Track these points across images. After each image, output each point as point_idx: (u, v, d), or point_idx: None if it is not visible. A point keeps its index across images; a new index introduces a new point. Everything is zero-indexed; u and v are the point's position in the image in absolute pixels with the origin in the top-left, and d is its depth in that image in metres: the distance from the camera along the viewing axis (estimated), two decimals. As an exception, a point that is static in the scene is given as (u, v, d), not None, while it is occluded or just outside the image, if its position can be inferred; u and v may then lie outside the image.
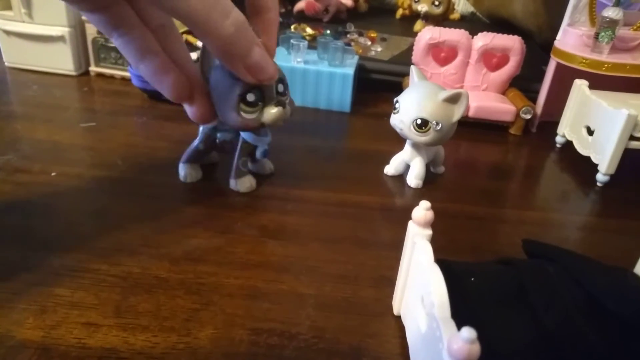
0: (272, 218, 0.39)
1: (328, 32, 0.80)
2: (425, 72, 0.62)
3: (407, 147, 0.46)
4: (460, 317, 0.23)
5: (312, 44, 0.67)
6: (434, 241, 0.27)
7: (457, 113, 0.41)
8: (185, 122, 0.55)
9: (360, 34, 0.83)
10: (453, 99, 0.41)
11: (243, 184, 0.42)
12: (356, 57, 0.66)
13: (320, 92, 0.62)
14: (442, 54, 0.62)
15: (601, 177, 0.49)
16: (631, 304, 0.27)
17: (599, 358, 0.25)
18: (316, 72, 0.61)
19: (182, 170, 0.43)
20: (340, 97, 0.62)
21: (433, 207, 0.27)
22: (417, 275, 0.27)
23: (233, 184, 0.42)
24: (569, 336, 0.26)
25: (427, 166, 0.47)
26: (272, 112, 0.34)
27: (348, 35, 0.82)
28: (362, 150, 0.54)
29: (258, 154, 0.42)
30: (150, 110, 0.58)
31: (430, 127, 0.41)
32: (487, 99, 0.60)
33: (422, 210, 0.27)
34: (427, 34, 0.61)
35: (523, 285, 0.28)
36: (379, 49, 0.76)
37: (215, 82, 0.33)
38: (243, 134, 0.40)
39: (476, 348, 0.18)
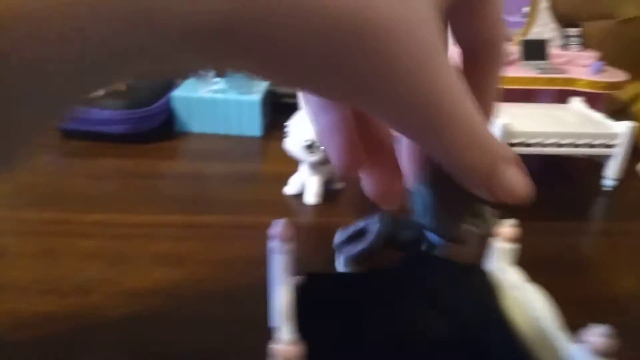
0: (167, 246, 0.41)
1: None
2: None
3: (303, 166, 0.49)
4: (308, 329, 0.26)
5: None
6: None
7: (339, 133, 0.44)
8: (94, 157, 0.56)
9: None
10: (334, 121, 0.44)
11: None
12: (265, 84, 0.68)
13: (230, 119, 0.64)
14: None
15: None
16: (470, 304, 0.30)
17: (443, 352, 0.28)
18: (224, 100, 0.63)
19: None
20: (250, 122, 0.64)
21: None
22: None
23: None
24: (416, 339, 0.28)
25: (326, 183, 0.50)
26: (492, 224, 0.27)
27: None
28: (266, 172, 0.56)
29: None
30: (61, 148, 0.59)
31: (317, 147, 0.44)
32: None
33: (279, 226, 0.29)
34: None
35: (384, 292, 0.31)
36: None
37: (434, 181, 0.25)
38: (431, 236, 0.32)
39: (292, 349, 0.21)
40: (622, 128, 0.52)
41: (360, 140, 0.22)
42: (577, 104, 0.57)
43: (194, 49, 0.14)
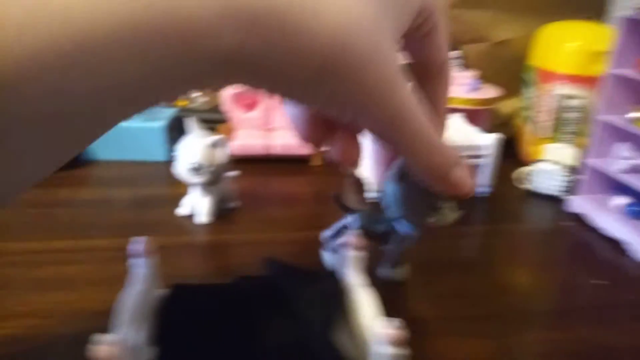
0: (52, 270, 0.42)
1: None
2: (235, 119, 0.69)
3: (194, 188, 0.51)
4: (163, 336, 0.28)
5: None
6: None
7: (222, 155, 0.47)
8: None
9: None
10: (216, 144, 0.47)
11: (402, 271, 0.43)
12: (172, 110, 0.71)
13: (136, 145, 0.66)
14: (246, 101, 0.69)
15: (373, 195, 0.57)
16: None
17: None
18: (129, 127, 0.65)
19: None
20: (155, 148, 0.67)
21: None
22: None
23: (389, 272, 0.43)
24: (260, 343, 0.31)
25: (220, 202, 0.53)
26: (453, 215, 0.34)
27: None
28: (167, 195, 0.58)
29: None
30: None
31: (203, 170, 0.47)
32: (290, 137, 0.68)
33: (138, 244, 0.32)
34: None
35: (246, 302, 0.34)
36: (206, 99, 0.82)
37: (402, 180, 0.31)
38: (402, 227, 0.39)
39: (108, 350, 0.23)
40: (489, 140, 0.57)
41: (324, 123, 0.27)
42: (455, 120, 0.63)
43: (226, 74, 0.19)
